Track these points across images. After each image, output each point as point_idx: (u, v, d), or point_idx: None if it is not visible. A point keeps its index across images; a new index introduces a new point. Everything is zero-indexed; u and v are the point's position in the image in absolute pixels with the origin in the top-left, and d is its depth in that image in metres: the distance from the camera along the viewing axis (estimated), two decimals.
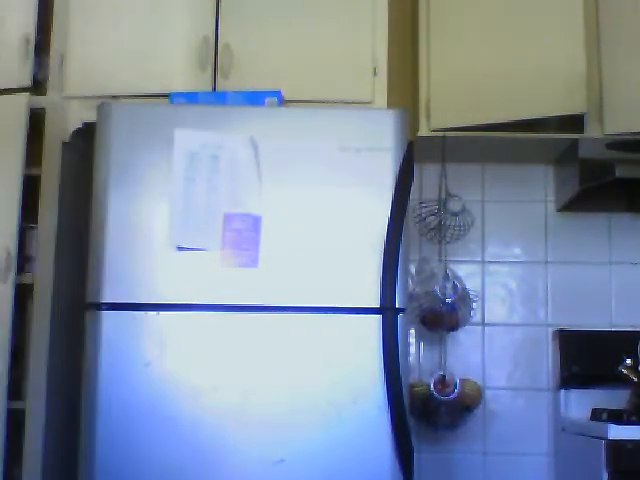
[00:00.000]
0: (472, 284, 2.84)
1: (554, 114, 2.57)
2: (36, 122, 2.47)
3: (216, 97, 2.40)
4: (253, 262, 2.07)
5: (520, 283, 2.91)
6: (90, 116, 2.33)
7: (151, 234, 2.08)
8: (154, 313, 2.05)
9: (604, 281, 2.89)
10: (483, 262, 2.92)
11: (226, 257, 2.07)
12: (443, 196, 2.73)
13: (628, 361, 2.61)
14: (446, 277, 2.68)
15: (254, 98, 2.35)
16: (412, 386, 2.64)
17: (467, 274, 2.86)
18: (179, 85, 2.49)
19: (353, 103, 2.46)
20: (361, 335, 2.05)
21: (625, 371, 2.60)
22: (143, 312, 2.06)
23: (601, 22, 2.61)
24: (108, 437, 2.00)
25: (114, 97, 2.44)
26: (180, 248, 2.08)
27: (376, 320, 2.05)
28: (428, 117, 2.63)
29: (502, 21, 2.63)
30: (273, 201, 2.10)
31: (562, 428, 2.73)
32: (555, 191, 2.94)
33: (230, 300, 2.07)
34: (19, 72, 2.54)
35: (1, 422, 2.30)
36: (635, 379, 2.59)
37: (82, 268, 2.12)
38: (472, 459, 2.82)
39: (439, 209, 2.73)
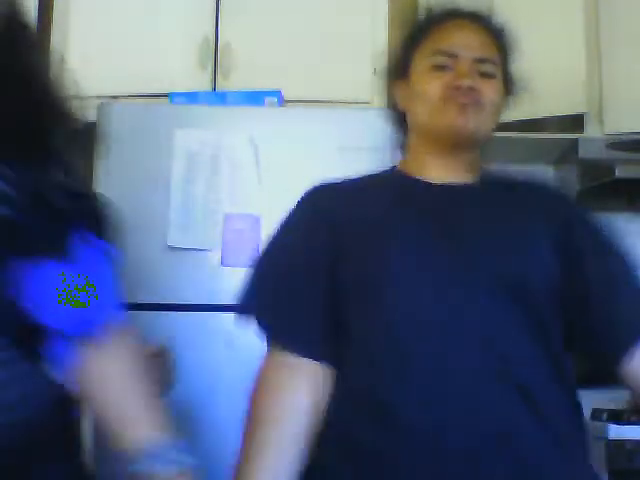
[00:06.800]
0: None
1: (554, 114, 2.57)
2: None
3: (216, 97, 2.40)
4: (253, 262, 2.07)
5: None
6: (90, 116, 2.33)
7: (151, 234, 2.08)
8: (154, 313, 2.05)
9: None
10: None
11: (226, 257, 2.07)
12: None
13: None
14: None
15: (254, 98, 2.35)
16: None
17: None
18: (179, 85, 2.49)
19: (353, 103, 2.46)
20: None
21: None
22: (143, 312, 2.05)
23: (601, 22, 2.61)
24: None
25: (114, 97, 2.44)
26: (179, 248, 2.08)
27: None
28: None
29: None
30: (273, 201, 2.10)
31: None
32: None
33: (230, 300, 2.06)
34: None
35: None
36: None
37: None
38: None
39: None
